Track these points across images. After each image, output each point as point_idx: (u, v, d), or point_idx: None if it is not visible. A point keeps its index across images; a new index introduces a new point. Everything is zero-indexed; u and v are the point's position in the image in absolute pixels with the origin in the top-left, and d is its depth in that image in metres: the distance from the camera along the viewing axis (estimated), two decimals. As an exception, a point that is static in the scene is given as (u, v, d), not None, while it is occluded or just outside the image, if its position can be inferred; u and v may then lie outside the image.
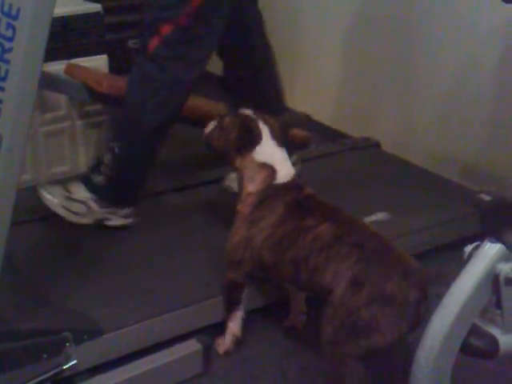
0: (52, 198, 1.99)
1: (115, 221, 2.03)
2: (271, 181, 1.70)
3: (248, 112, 1.77)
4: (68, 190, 2.01)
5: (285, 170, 1.72)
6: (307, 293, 1.76)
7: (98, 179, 1.99)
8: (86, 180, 2.02)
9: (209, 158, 2.02)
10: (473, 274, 1.12)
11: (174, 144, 2.23)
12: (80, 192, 2.00)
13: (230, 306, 1.75)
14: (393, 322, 1.42)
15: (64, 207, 1.98)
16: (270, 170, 1.71)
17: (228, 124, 1.75)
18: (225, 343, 1.75)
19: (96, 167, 2.02)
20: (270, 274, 1.71)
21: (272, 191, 1.70)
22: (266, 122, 1.74)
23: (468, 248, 1.20)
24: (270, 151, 1.72)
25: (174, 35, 1.85)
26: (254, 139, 1.71)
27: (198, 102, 2.31)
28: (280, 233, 1.64)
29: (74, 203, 1.99)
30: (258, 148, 1.71)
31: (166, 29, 1.85)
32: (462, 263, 1.25)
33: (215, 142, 1.78)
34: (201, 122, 1.95)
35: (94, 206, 2.00)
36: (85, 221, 2.00)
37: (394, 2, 2.75)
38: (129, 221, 2.05)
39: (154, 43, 1.87)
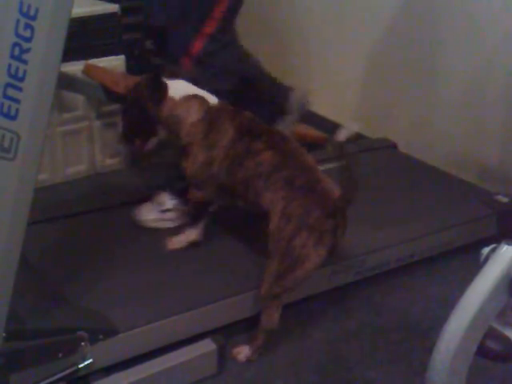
0: (147, 217, 2.07)
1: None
2: (207, 104, 1.81)
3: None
4: (158, 203, 2.08)
5: (208, 95, 1.83)
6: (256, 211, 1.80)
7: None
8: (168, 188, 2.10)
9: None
10: (489, 276, 1.11)
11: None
12: (167, 201, 2.08)
13: (195, 219, 1.92)
14: (318, 249, 1.62)
15: (158, 220, 2.07)
16: (197, 97, 1.81)
17: (131, 95, 1.84)
18: (180, 241, 1.93)
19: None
20: (227, 194, 1.83)
21: (215, 113, 1.80)
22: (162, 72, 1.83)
23: (485, 250, 1.18)
24: (182, 86, 1.83)
25: None
26: (161, 85, 1.79)
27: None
28: (231, 154, 1.76)
29: (167, 213, 2.07)
30: (170, 90, 1.80)
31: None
32: (478, 265, 1.24)
33: (129, 120, 1.87)
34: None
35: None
36: (178, 223, 2.07)
37: (413, 6, 2.74)
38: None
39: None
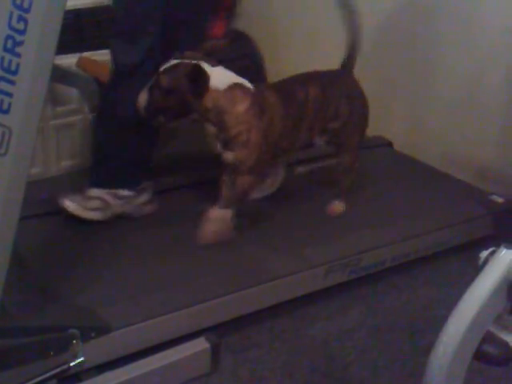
0: (72, 204, 2.02)
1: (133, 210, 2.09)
2: (249, 90, 1.85)
3: (174, 60, 1.80)
4: (84, 192, 2.05)
5: (239, 79, 1.86)
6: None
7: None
8: (92, 178, 2.08)
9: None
10: (488, 280, 1.10)
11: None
12: (94, 190, 2.04)
13: (245, 200, 1.98)
14: None
15: (82, 207, 2.02)
16: (239, 85, 1.83)
17: (168, 80, 1.78)
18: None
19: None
20: (281, 154, 2.04)
21: (259, 95, 1.87)
22: (195, 58, 1.81)
23: (483, 253, 1.17)
24: (224, 75, 1.83)
25: None
26: (204, 77, 1.77)
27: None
28: (290, 119, 1.92)
29: (91, 200, 2.02)
30: (213, 80, 1.78)
31: None
32: (473, 265, 1.23)
33: (161, 103, 1.81)
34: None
35: (108, 198, 2.03)
36: (102, 216, 2.03)
37: (410, 6, 2.72)
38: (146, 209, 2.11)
39: None
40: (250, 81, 1.90)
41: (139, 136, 2.02)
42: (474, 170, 2.57)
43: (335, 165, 2.19)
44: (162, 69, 1.80)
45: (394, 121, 2.90)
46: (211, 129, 1.87)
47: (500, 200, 2.34)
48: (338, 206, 2.19)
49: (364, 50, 2.94)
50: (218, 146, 1.89)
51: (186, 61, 1.79)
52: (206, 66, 1.79)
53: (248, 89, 1.85)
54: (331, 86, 2.06)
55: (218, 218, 1.94)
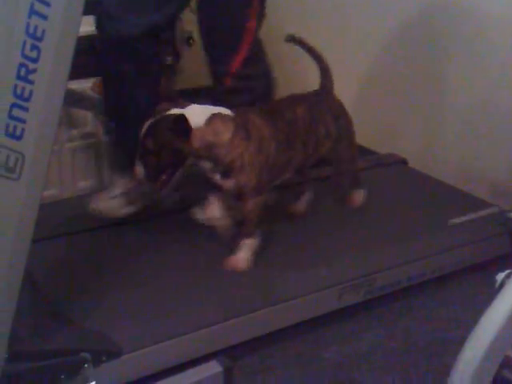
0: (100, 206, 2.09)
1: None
2: (228, 117, 1.84)
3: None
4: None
5: (216, 109, 1.84)
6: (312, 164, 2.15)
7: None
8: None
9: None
10: (505, 303, 1.08)
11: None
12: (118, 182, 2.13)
13: (256, 224, 1.94)
14: None
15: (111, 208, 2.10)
16: (216, 116, 1.81)
17: (153, 141, 1.76)
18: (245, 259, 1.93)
19: None
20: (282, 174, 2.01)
21: (241, 119, 1.86)
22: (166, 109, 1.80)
23: (500, 276, 1.15)
24: (198, 110, 1.81)
25: None
26: (181, 120, 1.74)
27: None
28: (282, 137, 1.92)
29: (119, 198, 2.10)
30: (191, 120, 1.75)
31: None
32: (490, 285, 1.22)
33: (158, 164, 1.79)
34: None
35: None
36: (136, 207, 2.13)
37: (421, 22, 2.73)
38: None
39: None
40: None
41: None
42: (490, 187, 2.55)
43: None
44: (141, 135, 1.78)
45: (409, 138, 2.89)
46: (208, 165, 1.86)
47: (518, 217, 2.31)
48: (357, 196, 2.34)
49: (377, 67, 2.96)
50: (218, 178, 1.89)
51: (158, 117, 1.78)
52: (177, 111, 1.77)
53: (227, 115, 1.84)
54: (317, 105, 2.09)
55: (249, 246, 1.94)
